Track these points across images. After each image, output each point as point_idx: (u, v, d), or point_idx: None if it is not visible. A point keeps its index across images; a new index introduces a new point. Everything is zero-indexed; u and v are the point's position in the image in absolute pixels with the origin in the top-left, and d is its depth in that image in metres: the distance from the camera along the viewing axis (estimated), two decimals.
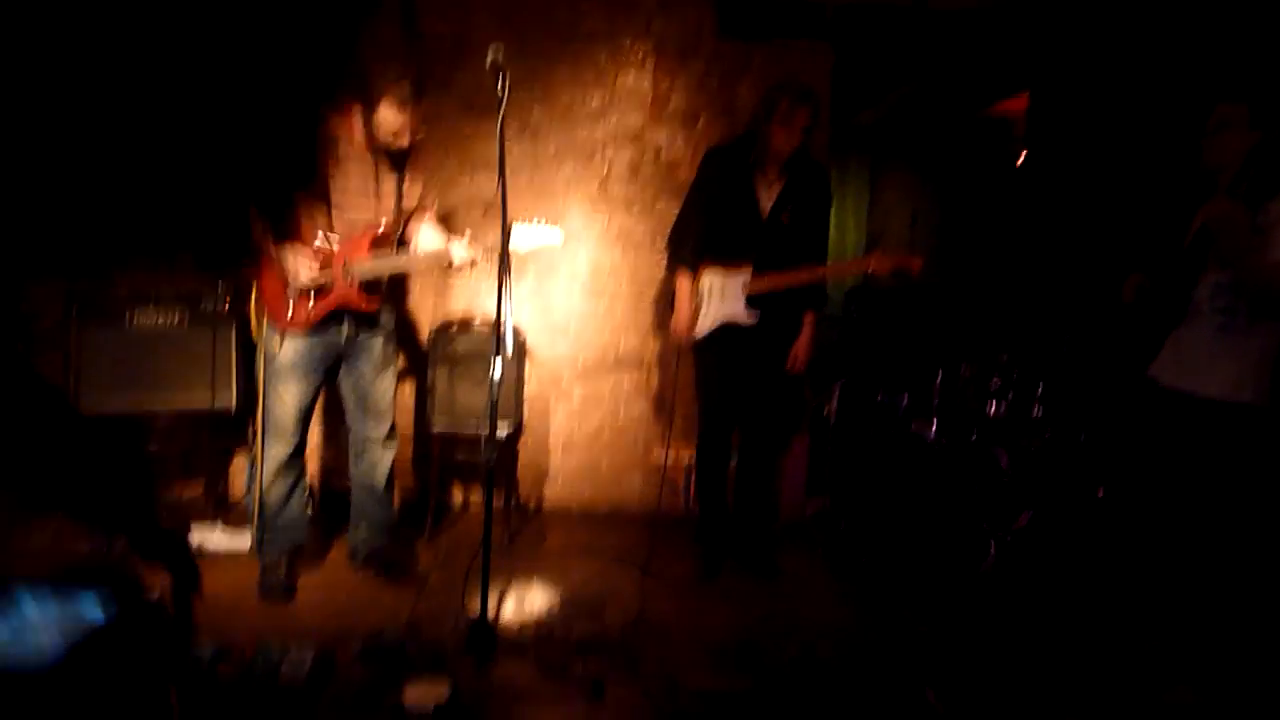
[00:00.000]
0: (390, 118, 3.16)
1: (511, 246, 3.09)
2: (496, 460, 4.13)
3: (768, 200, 3.67)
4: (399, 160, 3.33)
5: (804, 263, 3.67)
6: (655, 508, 4.54)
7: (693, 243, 3.75)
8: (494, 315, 4.30)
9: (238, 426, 4.24)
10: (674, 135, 4.49)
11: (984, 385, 3.84)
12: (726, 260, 3.71)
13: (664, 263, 4.49)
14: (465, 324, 4.21)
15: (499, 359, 2.92)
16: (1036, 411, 3.74)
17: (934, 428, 3.94)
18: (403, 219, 3.43)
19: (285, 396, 3.33)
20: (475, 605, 3.03)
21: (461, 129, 4.36)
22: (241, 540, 3.84)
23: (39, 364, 4.18)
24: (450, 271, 3.34)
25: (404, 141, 3.23)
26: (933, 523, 3.90)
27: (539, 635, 3.15)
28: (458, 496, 4.61)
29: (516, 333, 4.28)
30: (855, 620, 3.44)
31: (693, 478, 4.43)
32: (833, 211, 4.05)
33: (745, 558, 3.89)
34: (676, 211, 3.91)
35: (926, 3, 4.46)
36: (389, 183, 3.33)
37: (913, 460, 4.04)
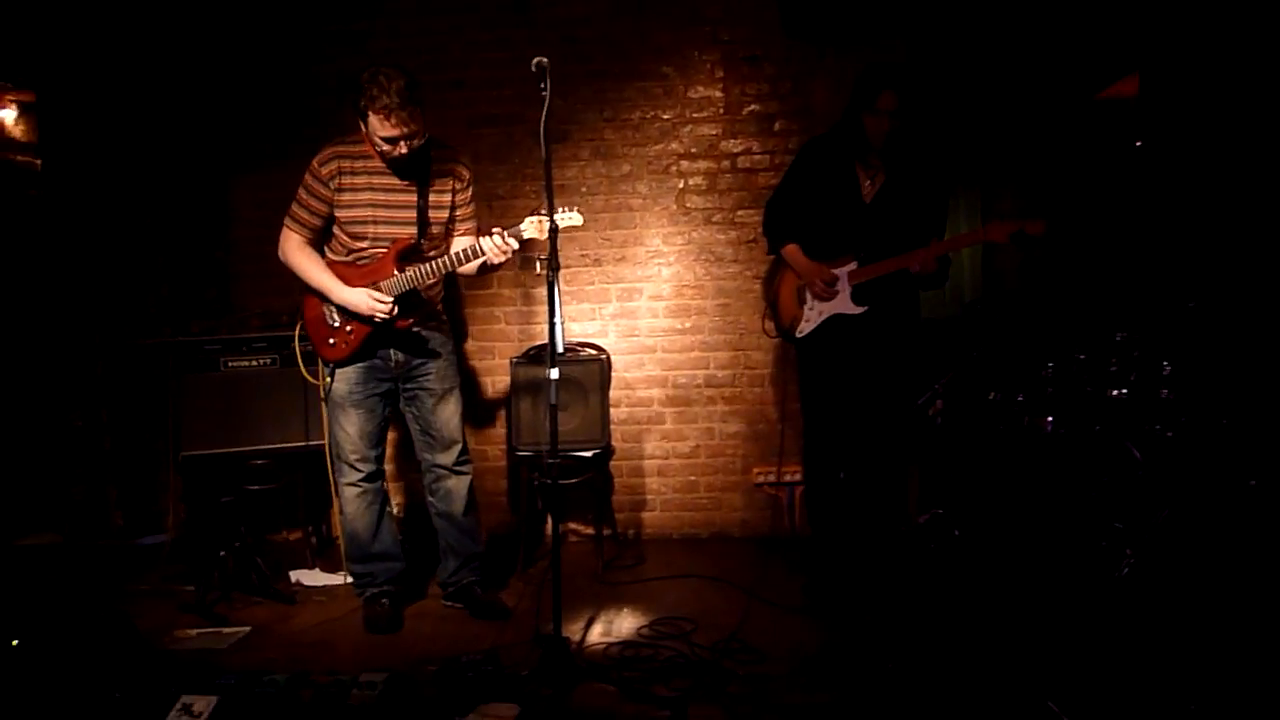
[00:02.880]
0: (377, 125, 2.99)
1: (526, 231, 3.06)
2: (590, 488, 4.06)
3: (871, 187, 3.52)
4: (417, 170, 3.17)
5: (913, 248, 3.45)
6: (758, 528, 4.36)
7: (793, 222, 3.61)
8: (579, 340, 4.29)
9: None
10: (750, 142, 4.36)
11: (1102, 370, 3.48)
12: (829, 253, 3.55)
13: (749, 273, 4.37)
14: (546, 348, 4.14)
15: (554, 369, 2.81)
16: (1165, 394, 3.35)
17: (1050, 420, 3.59)
18: (441, 232, 3.27)
19: (347, 427, 3.33)
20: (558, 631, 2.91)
21: (537, 154, 4.35)
22: (336, 578, 3.86)
23: (149, 415, 4.39)
24: (489, 270, 3.27)
25: (402, 150, 3.04)
26: (1058, 524, 3.53)
27: (624, 658, 2.99)
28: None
29: (600, 354, 4.19)
30: (967, 630, 3.12)
31: (798, 493, 4.20)
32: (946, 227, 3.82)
33: (858, 574, 3.62)
34: (759, 220, 3.78)
35: None
36: (410, 195, 3.18)
37: (1031, 457, 3.69)
